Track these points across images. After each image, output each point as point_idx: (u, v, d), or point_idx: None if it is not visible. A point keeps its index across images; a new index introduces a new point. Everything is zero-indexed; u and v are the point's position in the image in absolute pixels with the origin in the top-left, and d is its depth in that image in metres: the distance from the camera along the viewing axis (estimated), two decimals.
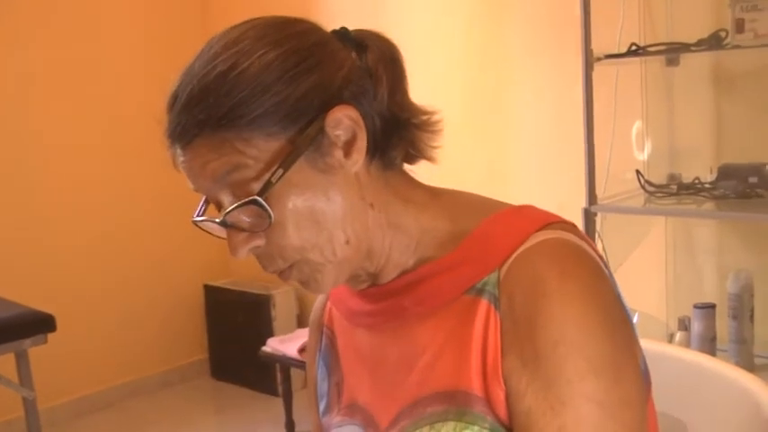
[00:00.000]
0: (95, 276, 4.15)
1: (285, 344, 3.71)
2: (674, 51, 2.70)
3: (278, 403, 3.89)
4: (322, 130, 0.88)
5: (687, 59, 2.76)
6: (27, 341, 2.70)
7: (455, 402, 0.89)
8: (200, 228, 0.94)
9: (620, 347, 0.86)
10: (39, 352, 2.77)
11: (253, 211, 0.87)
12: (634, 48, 2.70)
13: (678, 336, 2.72)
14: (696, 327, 2.65)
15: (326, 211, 0.90)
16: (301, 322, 4.29)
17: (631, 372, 0.86)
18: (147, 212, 4.27)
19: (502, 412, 0.87)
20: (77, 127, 4.05)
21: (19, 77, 3.85)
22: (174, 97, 0.89)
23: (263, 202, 0.85)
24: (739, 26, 2.42)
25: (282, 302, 4.20)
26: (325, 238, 0.90)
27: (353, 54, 0.93)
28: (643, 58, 2.80)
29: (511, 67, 3.37)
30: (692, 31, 2.63)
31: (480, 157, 3.50)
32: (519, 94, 3.35)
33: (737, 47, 2.45)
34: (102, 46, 4.14)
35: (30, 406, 2.77)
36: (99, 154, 4.13)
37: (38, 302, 2.84)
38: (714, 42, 2.54)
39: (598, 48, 2.67)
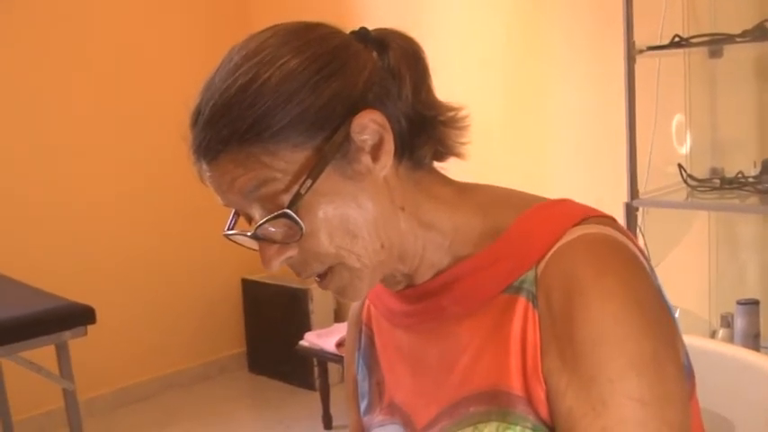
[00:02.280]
0: (135, 270, 4.18)
1: (322, 338, 3.71)
2: (717, 43, 2.65)
3: (315, 397, 3.89)
4: (348, 137, 0.86)
5: (731, 51, 2.71)
6: (67, 333, 2.71)
7: (497, 403, 0.88)
8: (232, 241, 0.93)
9: (661, 343, 0.84)
10: (78, 344, 2.79)
11: (284, 223, 0.86)
12: (677, 39, 2.66)
13: (721, 333, 2.68)
14: (739, 323, 2.61)
15: (358, 217, 0.88)
16: (339, 317, 4.29)
17: (673, 368, 0.84)
18: (187, 206, 4.29)
19: (543, 411, 0.85)
20: (118, 122, 4.09)
21: (63, 77, 3.89)
22: (197, 112, 0.88)
23: (294, 215, 0.84)
24: None
25: (320, 297, 4.20)
26: (360, 244, 0.89)
27: (375, 54, 0.91)
28: (686, 50, 2.75)
29: (552, 60, 3.34)
30: (737, 22, 2.58)
31: (521, 151, 3.48)
32: (560, 87, 3.32)
33: None
34: (141, 46, 4.17)
35: (70, 397, 2.79)
36: (140, 148, 4.16)
37: (78, 295, 2.86)
38: (759, 33, 2.50)
39: (640, 40, 2.64)
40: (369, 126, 0.87)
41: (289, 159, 0.85)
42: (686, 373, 0.90)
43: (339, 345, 3.58)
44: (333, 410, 3.77)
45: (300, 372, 4.22)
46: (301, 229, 0.85)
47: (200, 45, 4.23)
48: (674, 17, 2.80)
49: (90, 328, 2.76)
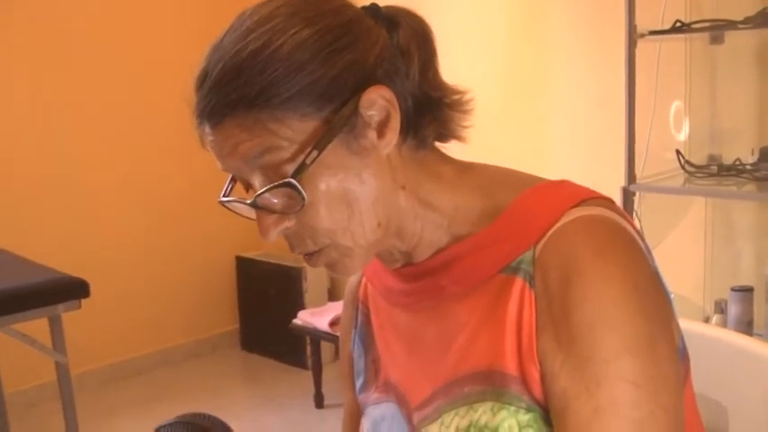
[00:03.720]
0: (129, 245, 4.18)
1: (316, 317, 3.71)
2: (719, 28, 2.64)
3: (307, 376, 3.90)
4: (356, 111, 0.85)
5: (732, 37, 2.71)
6: (61, 306, 2.71)
7: (492, 382, 0.88)
8: (227, 208, 0.91)
9: (656, 326, 0.83)
10: (72, 318, 2.78)
11: (285, 192, 0.85)
12: (678, 24, 2.65)
13: (714, 318, 2.69)
14: (733, 310, 2.62)
15: (359, 193, 0.88)
16: (332, 295, 4.30)
17: (668, 350, 0.84)
18: (182, 183, 4.29)
19: (538, 392, 0.85)
20: (113, 98, 4.07)
21: (59, 52, 3.87)
22: (204, 75, 0.86)
23: (298, 185, 0.83)
24: None
25: (314, 275, 4.21)
26: (356, 221, 0.88)
27: (384, 32, 0.90)
28: (687, 36, 2.74)
29: (553, 43, 3.33)
30: (739, 9, 2.58)
31: (520, 134, 3.47)
32: (560, 71, 3.31)
33: None
34: (139, 26, 4.15)
35: (62, 371, 2.79)
36: (135, 126, 4.15)
37: (73, 269, 2.85)
38: (761, 20, 2.49)
39: (641, 24, 2.62)
40: (377, 102, 0.86)
41: (296, 128, 0.84)
42: (681, 356, 0.90)
43: (332, 324, 3.59)
44: (324, 389, 3.78)
45: (293, 350, 4.23)
46: (303, 199, 0.84)
47: (197, 33, 4.19)
48: (675, 2, 2.79)
49: (84, 302, 2.76)
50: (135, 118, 4.14)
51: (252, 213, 0.89)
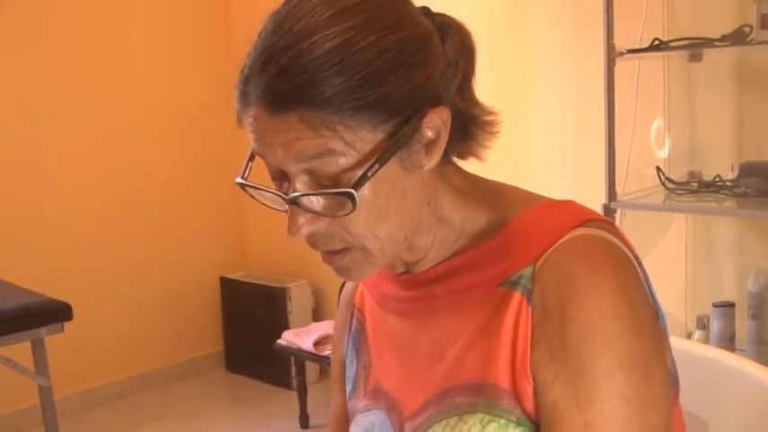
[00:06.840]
0: (112, 267, 4.16)
1: (300, 337, 3.70)
2: (697, 46, 2.67)
3: (292, 397, 3.89)
4: (418, 128, 0.84)
5: (710, 55, 2.74)
6: (43, 329, 2.70)
7: (484, 395, 0.88)
8: (244, 190, 0.89)
9: (650, 347, 0.85)
10: (55, 341, 2.77)
11: (334, 198, 0.83)
12: (657, 43, 2.68)
13: (696, 334, 2.70)
14: (715, 326, 2.63)
15: (398, 207, 0.87)
16: (317, 316, 4.28)
17: (660, 372, 0.85)
18: (165, 204, 4.27)
19: (530, 406, 0.85)
20: (97, 119, 4.05)
21: (43, 68, 3.86)
22: (269, 56, 0.81)
23: (356, 197, 0.81)
24: (764, 21, 2.39)
25: (298, 296, 4.20)
26: (388, 233, 0.88)
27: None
28: (665, 54, 2.77)
29: (532, 62, 3.35)
30: (716, 27, 2.60)
31: (500, 152, 3.47)
32: (540, 89, 3.33)
33: (762, 42, 2.42)
34: (123, 42, 4.15)
35: (45, 394, 2.77)
36: (119, 146, 4.13)
37: (55, 292, 2.84)
38: (738, 38, 2.52)
39: (620, 43, 2.65)
40: (434, 121, 0.85)
41: (362, 137, 0.81)
42: (672, 382, 0.91)
43: (317, 344, 3.58)
44: (310, 409, 3.77)
45: (278, 371, 4.22)
46: (353, 209, 0.82)
47: (183, 54, 4.22)
48: (654, 21, 2.82)
49: (66, 325, 2.75)
50: (118, 139, 4.12)
51: (272, 202, 0.87)
